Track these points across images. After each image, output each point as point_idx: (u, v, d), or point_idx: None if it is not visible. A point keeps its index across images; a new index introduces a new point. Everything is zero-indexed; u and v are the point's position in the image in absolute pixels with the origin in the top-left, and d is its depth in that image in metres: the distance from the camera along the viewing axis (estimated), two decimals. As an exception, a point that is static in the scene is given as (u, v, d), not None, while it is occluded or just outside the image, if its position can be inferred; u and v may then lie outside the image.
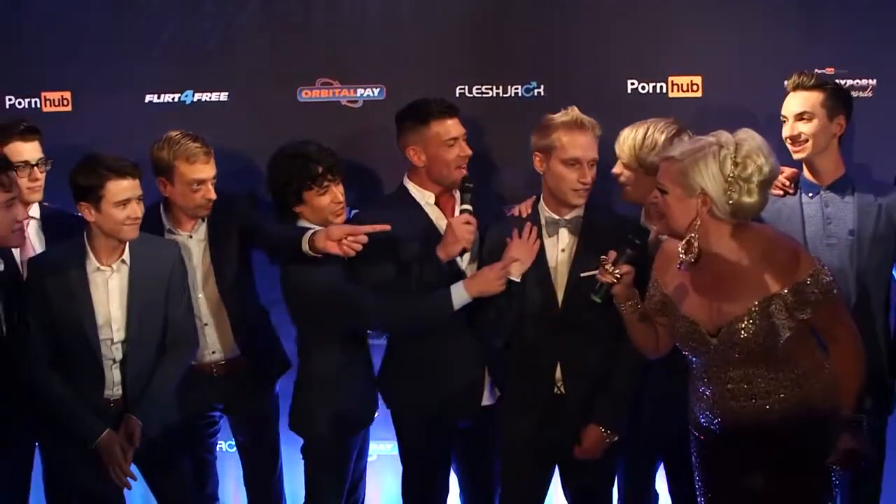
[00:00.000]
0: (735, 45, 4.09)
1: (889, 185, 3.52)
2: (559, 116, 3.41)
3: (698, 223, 2.87)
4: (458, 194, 3.64)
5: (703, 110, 4.10)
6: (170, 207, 3.77)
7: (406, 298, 3.50)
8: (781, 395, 2.95)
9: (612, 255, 3.08)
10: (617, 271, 3.06)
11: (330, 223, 3.51)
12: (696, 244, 2.89)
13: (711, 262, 2.93)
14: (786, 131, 3.53)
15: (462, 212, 3.50)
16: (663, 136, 3.42)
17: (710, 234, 2.90)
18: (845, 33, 4.03)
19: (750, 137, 2.86)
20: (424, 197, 3.65)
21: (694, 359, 3.05)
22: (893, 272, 3.61)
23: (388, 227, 3.39)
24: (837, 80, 3.60)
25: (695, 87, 4.15)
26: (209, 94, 4.31)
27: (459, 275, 3.54)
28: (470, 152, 3.62)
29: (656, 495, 3.87)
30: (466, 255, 3.58)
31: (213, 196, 3.67)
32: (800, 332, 2.93)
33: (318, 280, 3.43)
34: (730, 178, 2.82)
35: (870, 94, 3.98)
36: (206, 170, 3.65)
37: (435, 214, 3.64)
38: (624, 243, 3.12)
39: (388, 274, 3.53)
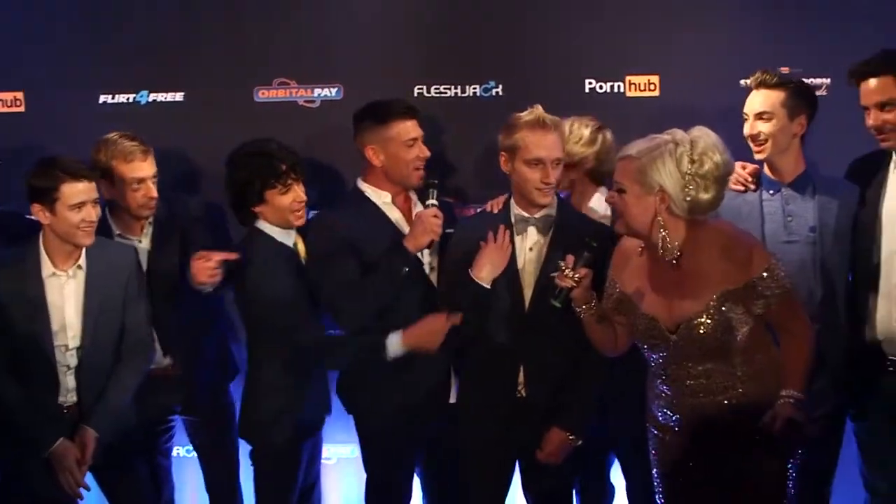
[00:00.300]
0: (692, 45, 4.13)
1: (849, 183, 3.55)
2: (524, 116, 3.40)
3: (661, 221, 2.89)
4: (414, 195, 3.67)
5: (661, 109, 4.13)
6: (115, 211, 3.73)
7: (342, 343, 3.51)
8: (739, 391, 2.98)
9: (571, 259, 3.11)
10: (576, 275, 3.08)
11: (290, 223, 3.49)
12: (669, 242, 2.92)
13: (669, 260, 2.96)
14: (746, 129, 3.54)
15: (428, 206, 3.51)
16: (588, 130, 3.60)
17: (669, 232, 2.92)
18: (801, 33, 4.08)
19: (705, 135, 2.90)
20: (381, 197, 3.64)
21: (653, 356, 3.07)
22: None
23: (236, 256, 3.43)
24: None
25: (652, 87, 4.18)
26: (164, 95, 4.27)
27: (425, 278, 3.57)
28: (428, 154, 3.62)
29: (612, 488, 3.91)
30: (427, 250, 3.57)
31: (155, 195, 3.64)
32: (757, 327, 2.97)
33: (272, 297, 3.41)
34: (687, 175, 2.86)
35: (824, 93, 4.02)
36: (144, 168, 3.62)
37: (393, 214, 3.64)
38: (581, 247, 3.15)
39: (355, 272, 3.51)
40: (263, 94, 4.26)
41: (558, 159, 3.39)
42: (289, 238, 3.53)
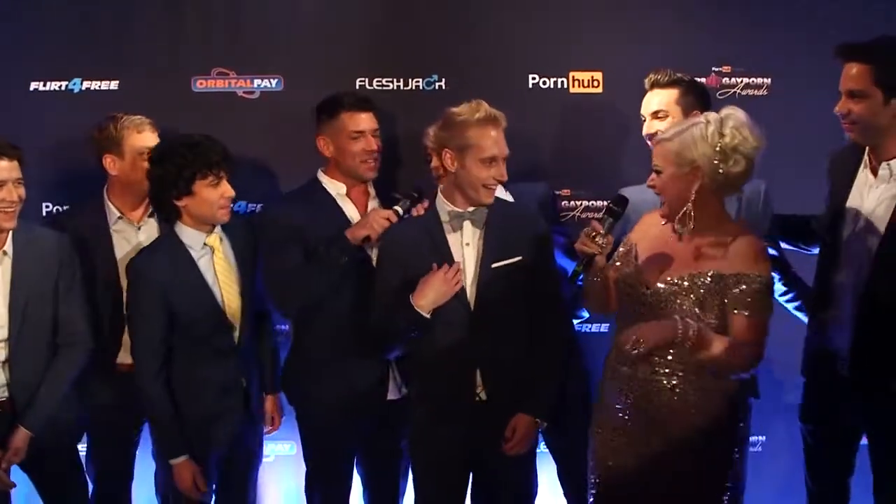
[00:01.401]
0: (635, 42, 4.14)
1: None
2: (469, 113, 3.30)
3: (692, 197, 2.99)
4: (373, 189, 3.69)
5: (604, 105, 4.15)
6: (116, 192, 3.71)
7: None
8: (692, 378, 3.04)
9: (598, 225, 3.13)
10: (603, 241, 3.11)
11: (215, 218, 3.41)
12: (692, 215, 3.01)
13: (692, 236, 3.06)
14: (644, 129, 3.58)
15: (393, 210, 3.49)
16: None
17: (697, 209, 3.02)
18: (743, 32, 4.11)
19: (734, 112, 3.02)
20: (336, 188, 3.66)
21: (621, 321, 3.14)
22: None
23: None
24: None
25: (595, 83, 4.18)
26: (98, 83, 4.16)
27: (365, 260, 3.53)
28: (376, 147, 3.63)
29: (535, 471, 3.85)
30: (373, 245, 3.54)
31: None
32: (720, 325, 3.01)
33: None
34: (718, 149, 2.96)
35: (765, 93, 4.07)
36: (153, 138, 3.68)
37: (347, 207, 3.64)
38: (606, 213, 3.16)
39: (297, 259, 3.52)
40: (201, 84, 4.18)
41: (507, 155, 3.35)
42: (200, 239, 3.45)
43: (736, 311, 2.98)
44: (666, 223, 3.11)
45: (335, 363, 3.56)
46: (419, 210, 3.51)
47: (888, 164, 3.18)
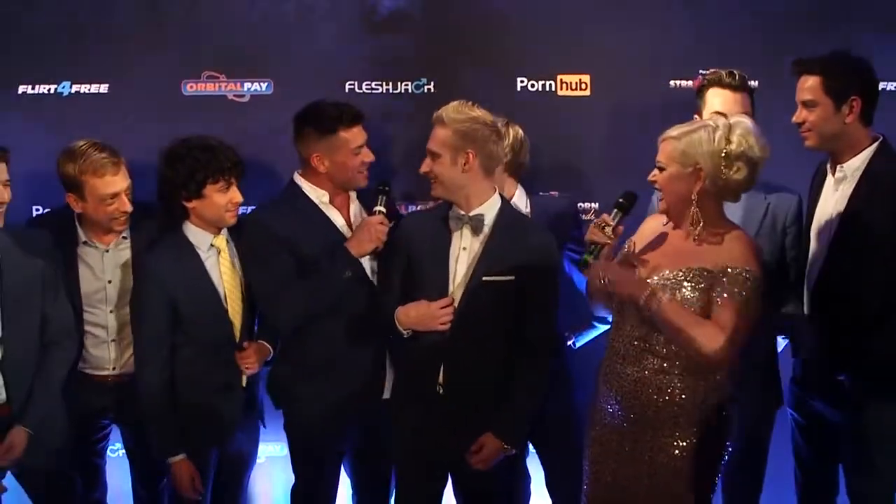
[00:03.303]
0: (623, 45, 4.16)
1: (777, 184, 3.60)
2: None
3: (695, 198, 3.04)
4: (353, 193, 3.65)
5: (592, 108, 4.17)
6: (84, 221, 3.63)
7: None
8: (683, 376, 3.06)
9: (607, 217, 3.20)
10: (612, 232, 3.19)
11: (223, 222, 3.45)
12: (699, 216, 3.06)
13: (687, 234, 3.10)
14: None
15: (376, 212, 3.49)
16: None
17: (700, 210, 3.06)
18: (731, 34, 4.15)
19: (742, 120, 3.08)
20: (318, 195, 3.60)
21: (617, 317, 3.19)
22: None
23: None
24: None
25: (583, 86, 4.20)
26: (88, 86, 4.17)
27: (363, 275, 3.54)
28: (373, 158, 3.60)
29: (528, 475, 3.96)
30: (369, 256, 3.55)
31: (129, 208, 3.54)
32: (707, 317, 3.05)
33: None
34: (723, 155, 3.00)
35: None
36: (117, 182, 3.51)
37: (331, 213, 3.61)
38: (614, 206, 3.22)
39: (291, 270, 3.49)
40: (191, 88, 4.18)
41: (430, 151, 3.33)
42: (207, 240, 3.48)
43: (715, 295, 3.00)
44: (667, 222, 3.16)
45: (324, 368, 3.55)
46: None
47: (842, 168, 3.37)
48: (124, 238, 3.64)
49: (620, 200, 3.24)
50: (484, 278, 3.31)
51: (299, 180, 3.61)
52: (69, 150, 3.52)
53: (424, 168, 3.35)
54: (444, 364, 3.37)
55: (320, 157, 3.54)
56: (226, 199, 3.42)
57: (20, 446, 3.42)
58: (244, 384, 3.54)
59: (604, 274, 3.06)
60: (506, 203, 3.45)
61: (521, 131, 3.73)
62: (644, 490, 3.10)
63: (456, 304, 3.34)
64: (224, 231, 3.51)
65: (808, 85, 3.33)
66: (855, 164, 3.33)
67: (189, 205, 3.42)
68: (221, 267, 3.49)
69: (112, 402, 3.71)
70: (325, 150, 3.53)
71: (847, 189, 3.35)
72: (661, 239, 3.19)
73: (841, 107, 3.30)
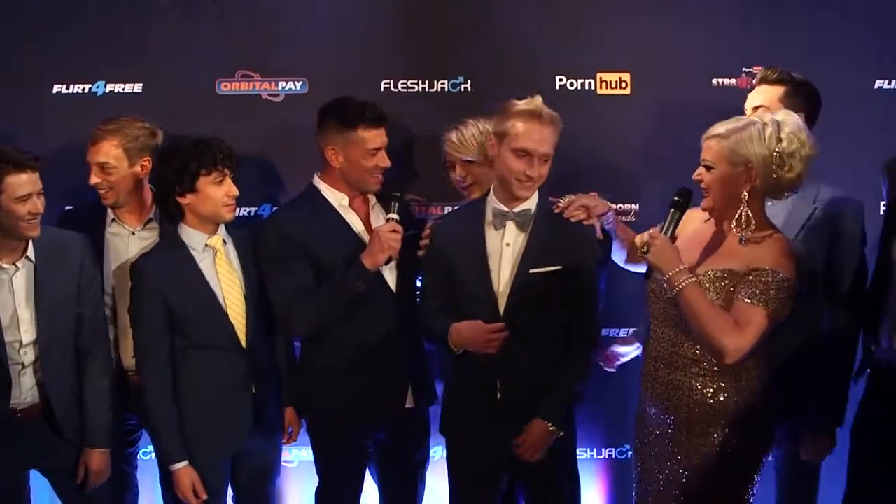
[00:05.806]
0: (664, 43, 4.09)
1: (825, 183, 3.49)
2: (521, 103, 3.30)
3: (746, 197, 2.99)
4: (372, 199, 3.62)
5: (632, 107, 4.11)
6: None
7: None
8: (726, 381, 3.03)
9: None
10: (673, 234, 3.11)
11: (220, 216, 3.41)
12: (749, 216, 3.00)
13: (726, 233, 3.07)
14: None
15: (389, 220, 3.45)
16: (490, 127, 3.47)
17: (749, 210, 3.01)
18: (774, 32, 4.07)
19: (790, 117, 3.03)
20: (337, 199, 3.57)
21: (654, 322, 3.14)
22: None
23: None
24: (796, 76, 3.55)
25: (623, 84, 4.14)
26: (122, 86, 4.15)
27: (383, 282, 3.51)
28: (388, 164, 3.56)
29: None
30: (391, 263, 3.52)
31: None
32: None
33: None
34: (775, 153, 2.96)
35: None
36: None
37: (350, 217, 3.58)
38: (670, 205, 3.10)
39: (310, 278, 3.47)
40: (226, 87, 4.16)
41: (547, 155, 3.30)
42: (202, 240, 3.44)
43: (739, 296, 2.95)
44: (708, 219, 3.11)
45: (347, 374, 3.52)
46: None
47: None
48: (153, 219, 3.66)
49: (677, 199, 3.11)
50: (531, 271, 3.26)
51: (318, 183, 3.59)
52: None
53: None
54: (499, 369, 3.33)
55: (335, 150, 3.51)
56: (221, 192, 3.38)
57: (105, 469, 3.50)
58: (253, 390, 3.50)
59: (651, 238, 2.98)
60: (542, 194, 3.41)
61: None
62: (682, 491, 3.07)
63: (505, 301, 3.31)
64: (221, 230, 3.46)
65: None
66: None
67: (184, 201, 3.38)
68: (218, 267, 3.44)
69: (135, 401, 3.65)
70: (342, 144, 3.50)
71: None
72: (698, 236, 3.13)
73: None
